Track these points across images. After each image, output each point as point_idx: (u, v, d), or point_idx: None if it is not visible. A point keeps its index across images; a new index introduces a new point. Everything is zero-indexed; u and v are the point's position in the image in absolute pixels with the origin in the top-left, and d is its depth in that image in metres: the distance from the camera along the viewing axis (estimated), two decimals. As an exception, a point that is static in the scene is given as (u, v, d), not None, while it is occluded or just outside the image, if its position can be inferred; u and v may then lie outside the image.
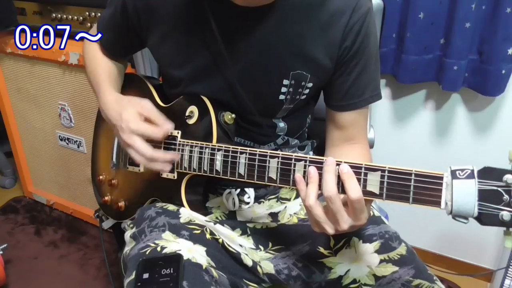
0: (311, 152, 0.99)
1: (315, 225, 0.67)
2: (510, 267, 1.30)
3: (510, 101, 1.37)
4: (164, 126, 0.80)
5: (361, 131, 0.88)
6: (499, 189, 0.53)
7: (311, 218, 0.67)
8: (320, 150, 1.02)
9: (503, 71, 1.26)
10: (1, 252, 1.57)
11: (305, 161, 0.67)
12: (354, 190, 0.61)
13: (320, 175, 0.64)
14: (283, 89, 0.80)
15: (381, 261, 0.77)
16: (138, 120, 0.80)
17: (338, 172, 0.62)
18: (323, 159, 0.66)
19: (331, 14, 0.76)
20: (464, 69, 1.30)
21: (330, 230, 0.65)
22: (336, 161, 0.63)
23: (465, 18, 1.22)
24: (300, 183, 0.66)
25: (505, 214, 0.53)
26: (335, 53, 0.78)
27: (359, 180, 0.62)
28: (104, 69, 0.95)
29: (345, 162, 0.63)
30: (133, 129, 0.78)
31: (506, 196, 0.53)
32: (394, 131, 1.58)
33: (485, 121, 1.43)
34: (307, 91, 0.82)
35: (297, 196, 0.93)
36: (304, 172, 0.67)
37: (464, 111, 1.45)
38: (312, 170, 0.64)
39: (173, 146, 0.84)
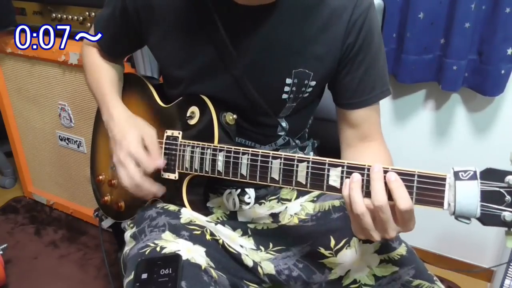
0: (311, 153, 0.99)
1: (361, 233, 0.65)
2: (510, 267, 1.30)
3: (510, 101, 1.37)
4: (157, 161, 0.82)
5: (375, 127, 0.87)
6: (501, 190, 0.54)
7: (357, 226, 0.64)
8: (321, 150, 1.02)
9: (503, 71, 1.26)
10: (1, 252, 1.57)
11: (308, 162, 0.67)
12: (404, 199, 0.58)
13: (362, 181, 0.62)
14: (286, 88, 0.80)
15: (381, 261, 0.77)
16: (139, 145, 0.82)
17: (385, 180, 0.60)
18: (325, 160, 0.66)
19: (332, 11, 0.76)
20: (463, 69, 1.30)
21: (377, 237, 0.63)
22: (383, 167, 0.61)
23: (465, 18, 1.23)
24: (344, 189, 0.63)
25: (507, 215, 0.54)
26: (338, 50, 0.78)
27: (362, 181, 0.62)
28: (106, 78, 0.95)
29: (392, 170, 0.60)
30: (131, 152, 0.81)
31: (508, 197, 0.54)
32: (393, 131, 1.58)
33: (485, 121, 1.43)
34: (310, 89, 0.82)
35: (298, 196, 0.93)
36: (307, 173, 0.67)
37: (464, 111, 1.45)
38: (357, 176, 0.62)
39: (174, 147, 0.84)
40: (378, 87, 0.83)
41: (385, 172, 0.60)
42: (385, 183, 0.60)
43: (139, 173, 0.80)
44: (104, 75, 0.95)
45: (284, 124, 0.88)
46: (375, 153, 0.85)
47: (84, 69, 0.99)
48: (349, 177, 0.63)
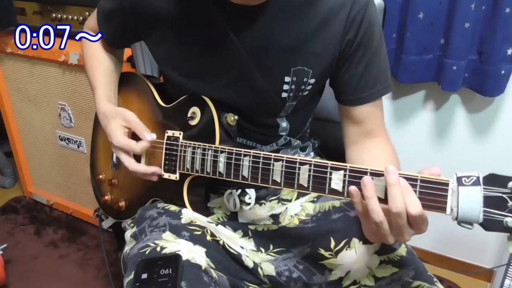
0: (312, 153, 0.99)
1: (375, 238, 0.64)
2: (510, 267, 1.30)
3: (510, 102, 1.38)
4: (146, 138, 0.84)
5: (378, 123, 0.87)
6: (503, 195, 0.53)
7: (371, 231, 0.64)
8: (321, 151, 1.02)
9: (503, 72, 1.26)
10: (1, 252, 1.57)
11: (310, 164, 0.66)
12: (414, 204, 0.57)
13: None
14: (285, 87, 0.80)
15: (381, 262, 0.77)
16: (120, 135, 0.85)
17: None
18: (327, 163, 0.65)
19: (331, 7, 0.75)
20: (463, 69, 1.30)
21: (392, 241, 0.62)
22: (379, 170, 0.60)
23: (465, 18, 1.23)
24: (356, 196, 0.61)
25: (509, 221, 0.53)
26: (337, 47, 0.78)
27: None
28: (100, 67, 0.97)
29: (402, 174, 0.59)
30: (116, 144, 0.85)
31: (510, 203, 0.53)
32: (393, 131, 1.58)
33: (485, 122, 1.43)
34: (309, 87, 0.82)
35: (298, 197, 0.93)
36: (309, 176, 0.66)
37: (464, 111, 1.45)
38: (369, 182, 0.60)
39: (175, 147, 0.84)
40: (379, 83, 0.82)
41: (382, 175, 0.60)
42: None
43: (131, 160, 0.86)
44: (98, 65, 0.97)
45: (284, 124, 0.88)
46: (381, 150, 0.85)
47: (83, 59, 1.01)
48: (351, 181, 0.62)
